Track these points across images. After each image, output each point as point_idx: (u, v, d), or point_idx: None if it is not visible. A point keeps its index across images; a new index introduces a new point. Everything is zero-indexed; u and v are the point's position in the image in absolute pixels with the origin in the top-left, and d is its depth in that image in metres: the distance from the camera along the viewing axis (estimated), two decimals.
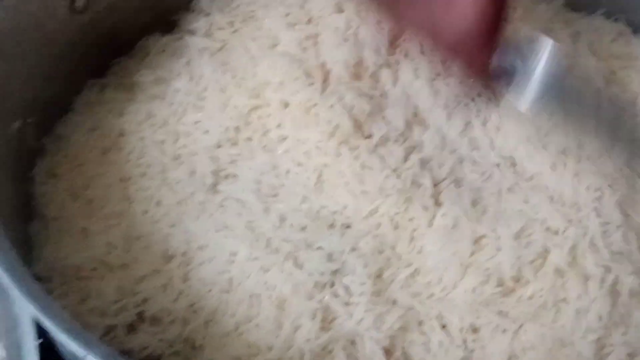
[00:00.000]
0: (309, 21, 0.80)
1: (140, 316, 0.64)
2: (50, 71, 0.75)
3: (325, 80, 0.76)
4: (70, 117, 0.76)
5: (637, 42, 0.79)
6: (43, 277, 0.65)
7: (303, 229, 0.67)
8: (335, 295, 0.64)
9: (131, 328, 0.63)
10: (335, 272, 0.65)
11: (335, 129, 0.72)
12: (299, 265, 0.65)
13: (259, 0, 0.82)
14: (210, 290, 0.64)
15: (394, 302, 0.64)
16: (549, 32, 0.79)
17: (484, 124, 0.74)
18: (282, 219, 0.68)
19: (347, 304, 0.63)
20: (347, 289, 0.64)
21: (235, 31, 0.80)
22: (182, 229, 0.68)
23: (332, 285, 0.64)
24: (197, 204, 0.69)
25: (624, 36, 0.80)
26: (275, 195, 0.70)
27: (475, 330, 0.63)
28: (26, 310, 0.55)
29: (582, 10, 0.83)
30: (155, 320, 0.63)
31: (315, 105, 0.74)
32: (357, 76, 0.77)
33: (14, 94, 0.70)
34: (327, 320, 0.63)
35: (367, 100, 0.74)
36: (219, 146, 0.73)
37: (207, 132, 0.73)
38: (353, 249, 0.66)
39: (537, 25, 0.80)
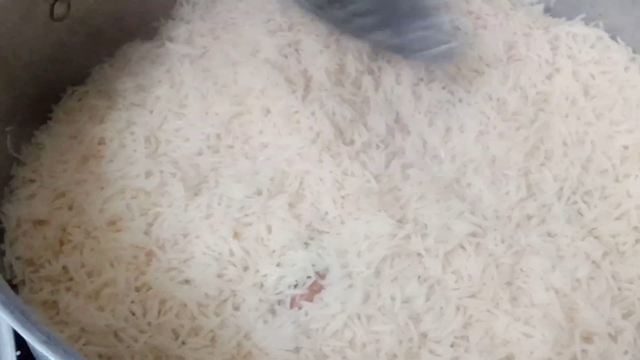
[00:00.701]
0: (290, 28, 0.80)
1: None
2: (30, 79, 0.74)
3: (307, 87, 0.76)
4: (49, 125, 0.76)
5: (616, 48, 0.80)
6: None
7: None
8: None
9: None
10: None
11: (317, 136, 0.72)
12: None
13: (240, 7, 0.81)
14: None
15: None
16: (528, 37, 0.80)
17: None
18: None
19: None
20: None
21: (216, 38, 0.80)
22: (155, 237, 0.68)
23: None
24: (177, 210, 0.69)
25: (602, 41, 0.80)
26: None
27: None
28: (5, 322, 0.55)
29: (561, 15, 0.84)
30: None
31: (296, 112, 0.74)
32: (338, 83, 0.77)
33: None
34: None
35: (349, 106, 0.75)
36: (200, 154, 0.72)
37: (187, 139, 0.73)
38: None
39: (517, 30, 0.80)
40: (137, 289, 0.65)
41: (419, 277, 0.66)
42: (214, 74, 0.77)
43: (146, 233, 0.68)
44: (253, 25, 0.79)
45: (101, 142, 0.73)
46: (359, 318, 0.63)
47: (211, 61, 0.78)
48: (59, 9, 0.75)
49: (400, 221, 0.68)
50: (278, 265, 0.66)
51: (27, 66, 0.74)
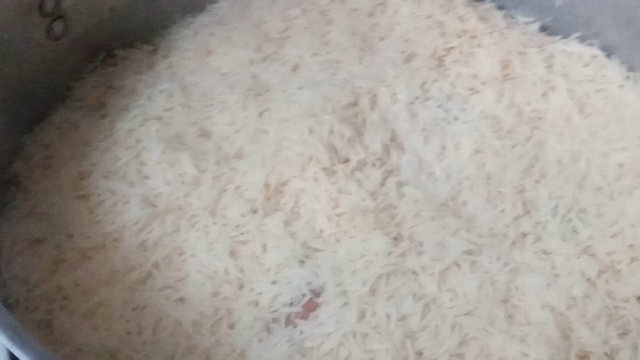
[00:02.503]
0: None
1: None
2: (27, 99, 0.74)
3: None
4: (44, 144, 0.76)
5: (611, 66, 0.80)
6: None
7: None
8: None
9: None
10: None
11: (312, 155, 0.72)
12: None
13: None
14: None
15: None
16: (523, 55, 0.80)
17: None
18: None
19: None
20: None
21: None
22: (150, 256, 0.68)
23: None
24: (172, 229, 0.69)
25: (597, 60, 0.80)
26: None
27: None
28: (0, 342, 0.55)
29: (557, 34, 0.84)
30: None
31: None
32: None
33: None
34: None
35: (347, 125, 0.75)
36: None
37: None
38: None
39: (512, 48, 0.80)
40: (132, 308, 0.65)
41: (414, 295, 0.65)
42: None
43: (141, 252, 0.68)
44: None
45: (95, 161, 0.74)
46: (354, 336, 0.63)
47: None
48: (57, 28, 0.76)
49: (395, 239, 0.68)
50: (273, 283, 0.66)
51: (24, 86, 0.74)
